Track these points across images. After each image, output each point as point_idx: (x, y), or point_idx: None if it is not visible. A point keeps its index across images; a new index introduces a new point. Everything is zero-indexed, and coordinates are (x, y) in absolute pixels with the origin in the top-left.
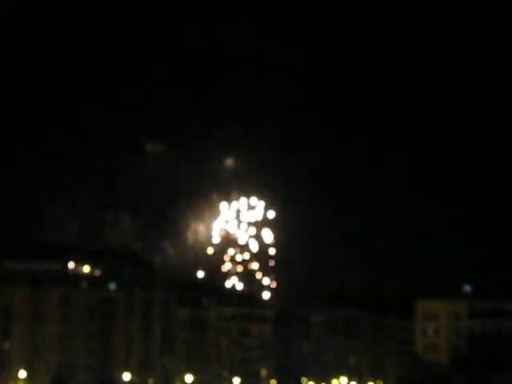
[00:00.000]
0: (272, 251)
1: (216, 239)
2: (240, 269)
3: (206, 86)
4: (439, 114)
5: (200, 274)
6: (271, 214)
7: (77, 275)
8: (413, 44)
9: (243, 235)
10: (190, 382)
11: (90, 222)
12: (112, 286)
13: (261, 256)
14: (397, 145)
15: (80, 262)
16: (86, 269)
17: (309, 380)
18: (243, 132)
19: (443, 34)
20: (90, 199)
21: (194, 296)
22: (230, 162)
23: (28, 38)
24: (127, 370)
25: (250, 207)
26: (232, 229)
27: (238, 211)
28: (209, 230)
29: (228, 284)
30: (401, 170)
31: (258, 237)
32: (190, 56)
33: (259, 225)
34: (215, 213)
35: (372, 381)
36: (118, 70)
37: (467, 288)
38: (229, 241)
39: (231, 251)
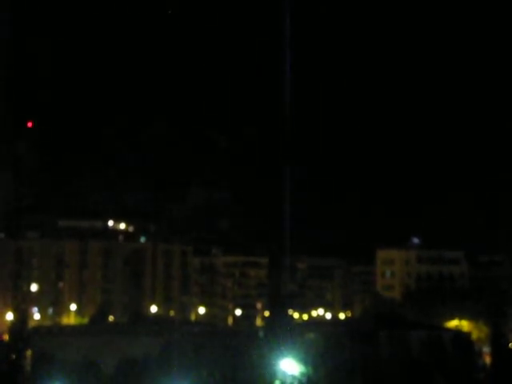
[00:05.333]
0: None
1: None
2: None
3: None
4: None
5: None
6: None
7: (115, 231)
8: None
9: None
10: (202, 313)
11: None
12: (142, 240)
13: None
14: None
15: (117, 220)
16: (122, 226)
17: (294, 311)
18: None
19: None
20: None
21: (204, 247)
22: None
23: None
24: (154, 304)
25: None
26: None
27: None
28: None
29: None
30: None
31: None
32: None
33: None
34: None
35: (343, 312)
36: None
37: (416, 240)
38: None
39: None
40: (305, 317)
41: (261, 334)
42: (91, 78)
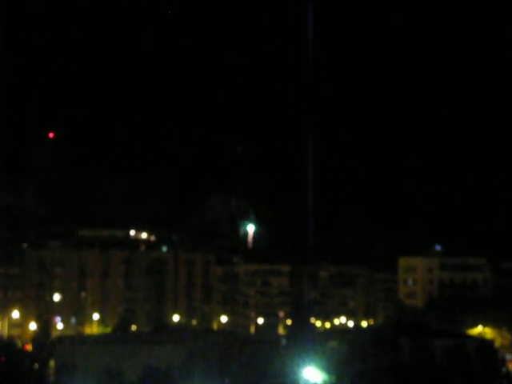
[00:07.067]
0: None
1: None
2: None
3: None
4: None
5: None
6: None
7: (136, 240)
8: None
9: None
10: (225, 321)
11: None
12: (164, 249)
13: None
14: None
15: (139, 230)
16: (144, 235)
17: (317, 319)
18: None
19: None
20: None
21: (226, 256)
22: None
23: None
24: (176, 314)
25: None
26: None
27: None
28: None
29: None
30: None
31: None
32: None
33: None
34: None
35: (365, 320)
36: None
37: (438, 247)
38: None
39: None
40: (327, 325)
41: (283, 342)
42: (110, 88)
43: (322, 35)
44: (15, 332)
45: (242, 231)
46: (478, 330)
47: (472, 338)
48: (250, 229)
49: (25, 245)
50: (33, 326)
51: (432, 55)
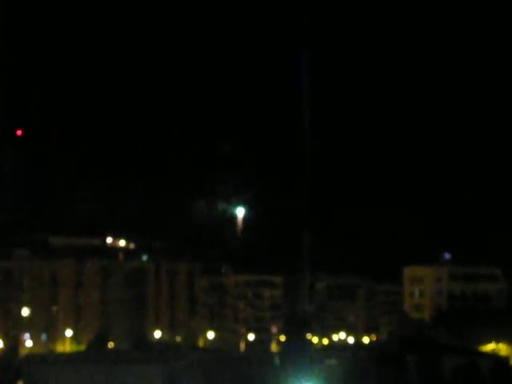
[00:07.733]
0: None
1: None
2: None
3: None
4: None
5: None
6: None
7: (114, 248)
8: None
9: None
10: (212, 338)
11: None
12: (144, 258)
13: None
14: None
15: (116, 237)
16: (122, 243)
17: (313, 335)
18: None
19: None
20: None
21: (213, 265)
22: None
23: None
24: (158, 329)
25: None
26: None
27: None
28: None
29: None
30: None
31: None
32: None
33: None
34: None
35: (367, 336)
36: None
37: (447, 255)
38: None
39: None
40: (325, 341)
41: (276, 360)
42: (89, 87)
43: (321, 35)
44: None
45: (230, 214)
46: (492, 346)
47: (485, 354)
48: (240, 213)
49: None
50: None
51: (432, 56)
